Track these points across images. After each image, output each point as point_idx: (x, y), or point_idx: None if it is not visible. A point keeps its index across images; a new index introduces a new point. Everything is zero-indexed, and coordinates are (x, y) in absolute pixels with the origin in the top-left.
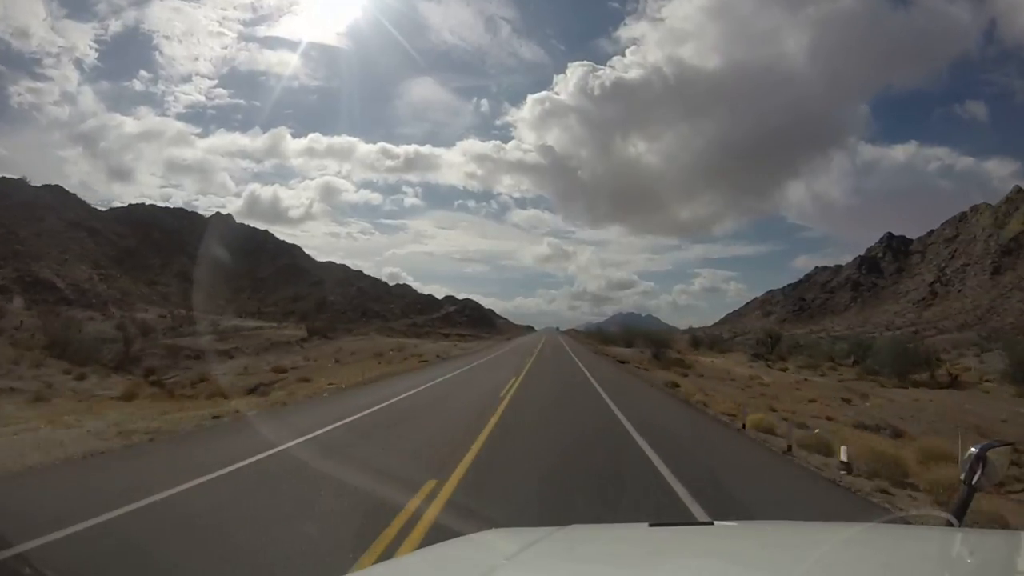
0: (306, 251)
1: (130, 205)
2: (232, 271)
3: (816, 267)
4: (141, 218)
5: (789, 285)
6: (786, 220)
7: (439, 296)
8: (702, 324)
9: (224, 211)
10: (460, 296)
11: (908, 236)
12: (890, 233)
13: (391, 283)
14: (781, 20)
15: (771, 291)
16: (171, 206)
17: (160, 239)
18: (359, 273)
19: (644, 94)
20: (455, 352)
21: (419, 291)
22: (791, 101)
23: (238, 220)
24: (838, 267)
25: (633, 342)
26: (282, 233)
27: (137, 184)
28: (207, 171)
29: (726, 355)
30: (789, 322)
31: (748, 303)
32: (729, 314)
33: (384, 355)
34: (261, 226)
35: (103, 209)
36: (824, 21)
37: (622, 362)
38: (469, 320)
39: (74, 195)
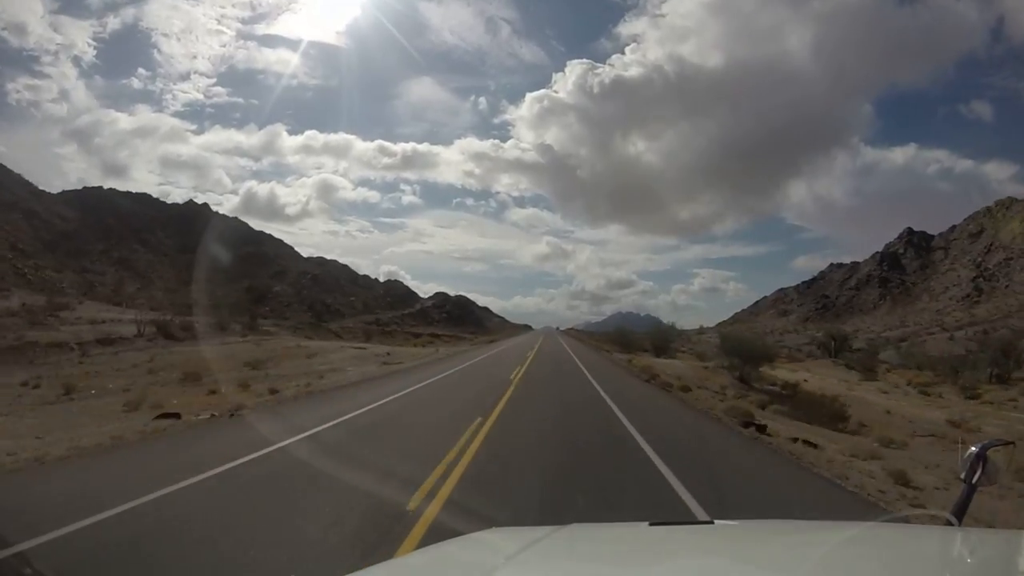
0: (274, 238)
1: (84, 188)
2: (186, 259)
3: (831, 264)
4: (94, 202)
5: (803, 283)
6: (785, 221)
7: (430, 292)
8: (706, 324)
9: (202, 203)
10: (456, 294)
11: (929, 232)
12: (910, 228)
13: (383, 280)
14: (784, 16)
15: (782, 289)
16: (133, 191)
17: (114, 224)
18: (336, 264)
19: (644, 92)
20: (348, 377)
21: (398, 285)
22: (793, 100)
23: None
24: (855, 264)
25: (664, 347)
26: (278, 230)
27: (135, 181)
28: (204, 168)
29: (803, 365)
30: (812, 320)
31: (757, 302)
32: (738, 313)
33: (202, 380)
34: (252, 221)
35: (53, 192)
36: (827, 17)
37: (736, 423)
38: (450, 317)
39: (18, 176)
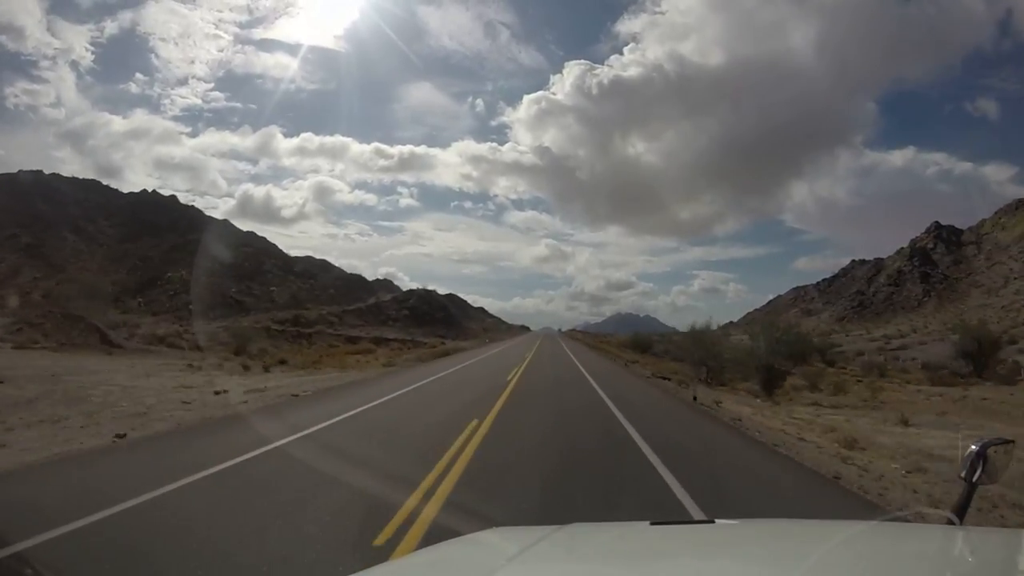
0: (220, 220)
1: (20, 171)
2: (124, 248)
3: (852, 261)
4: (28, 187)
5: (823, 280)
6: (785, 223)
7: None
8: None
9: (169, 194)
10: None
11: (957, 226)
12: (938, 222)
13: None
14: (787, 12)
15: (798, 288)
16: (80, 177)
17: (44, 211)
18: (269, 248)
19: (644, 92)
20: None
21: (356, 278)
22: (796, 98)
23: (190, 204)
24: (878, 260)
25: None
26: (275, 233)
27: (132, 185)
28: (200, 170)
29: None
30: (849, 320)
31: (771, 301)
32: (752, 312)
33: None
34: (251, 225)
35: None
36: (830, 12)
37: None
38: (412, 316)
39: None
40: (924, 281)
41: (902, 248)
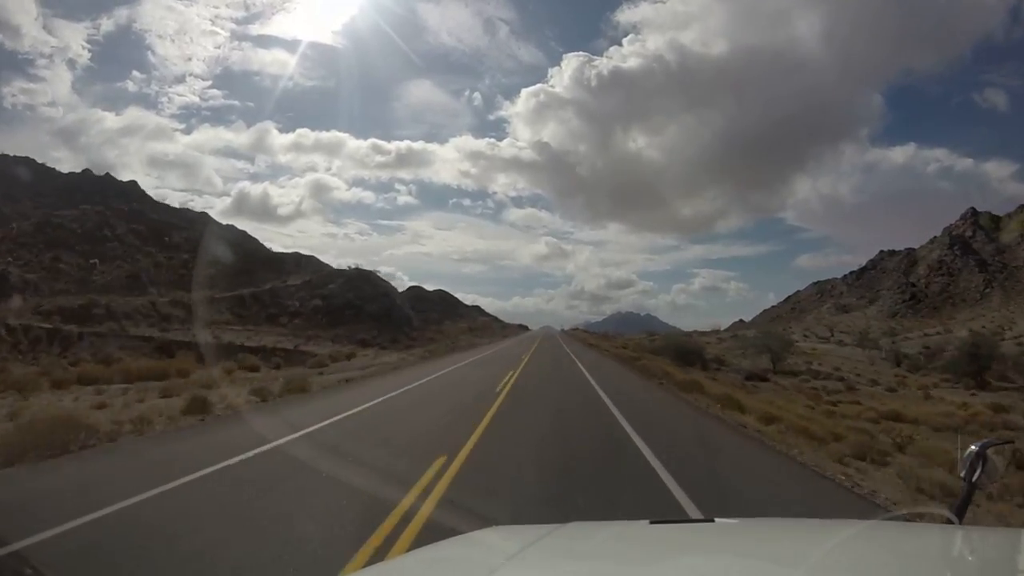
0: (159, 202)
1: None
2: (44, 229)
3: (881, 251)
4: None
5: (851, 273)
6: (785, 221)
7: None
8: (712, 322)
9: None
10: (436, 288)
11: (995, 213)
12: (974, 209)
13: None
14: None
15: (819, 282)
16: (17, 155)
17: None
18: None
19: (645, 84)
20: None
21: (260, 249)
22: (801, 90)
23: (130, 180)
24: (910, 250)
25: None
26: (275, 232)
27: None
28: (193, 166)
29: None
30: (903, 316)
31: (789, 297)
32: (770, 309)
33: None
34: (247, 224)
35: None
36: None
37: None
38: (328, 309)
39: None
40: (983, 270)
41: (935, 237)
